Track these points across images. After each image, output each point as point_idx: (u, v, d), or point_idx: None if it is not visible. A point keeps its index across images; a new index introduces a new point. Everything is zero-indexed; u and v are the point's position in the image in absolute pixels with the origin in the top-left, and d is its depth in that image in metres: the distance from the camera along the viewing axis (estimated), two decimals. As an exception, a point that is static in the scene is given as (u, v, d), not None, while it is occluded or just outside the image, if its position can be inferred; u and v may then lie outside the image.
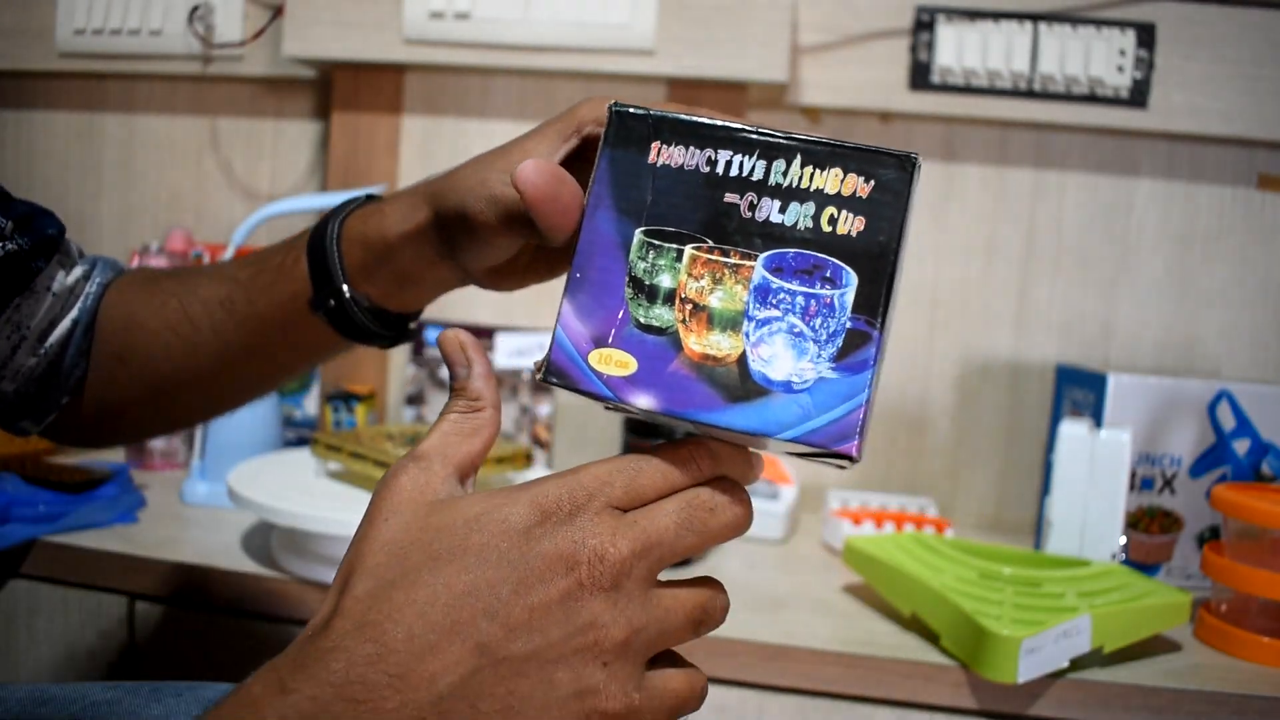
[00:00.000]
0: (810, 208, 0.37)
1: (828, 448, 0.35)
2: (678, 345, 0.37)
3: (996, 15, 1.07)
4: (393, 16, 1.09)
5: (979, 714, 0.73)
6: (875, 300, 0.36)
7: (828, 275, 0.36)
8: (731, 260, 0.37)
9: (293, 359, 0.62)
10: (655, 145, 0.39)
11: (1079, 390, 0.99)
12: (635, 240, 0.38)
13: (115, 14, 1.20)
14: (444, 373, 1.15)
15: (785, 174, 0.37)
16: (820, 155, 0.37)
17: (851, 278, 0.36)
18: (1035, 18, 1.06)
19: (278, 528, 0.87)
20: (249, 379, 0.63)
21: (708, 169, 0.38)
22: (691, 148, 0.38)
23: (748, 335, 0.36)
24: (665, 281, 0.37)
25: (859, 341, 0.36)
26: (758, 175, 0.37)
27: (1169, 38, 1.05)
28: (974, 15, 1.07)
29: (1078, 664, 0.72)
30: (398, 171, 1.18)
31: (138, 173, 1.29)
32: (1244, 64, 1.04)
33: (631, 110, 0.39)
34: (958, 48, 1.07)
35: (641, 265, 0.38)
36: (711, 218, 0.37)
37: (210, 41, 1.19)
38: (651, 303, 0.38)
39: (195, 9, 1.18)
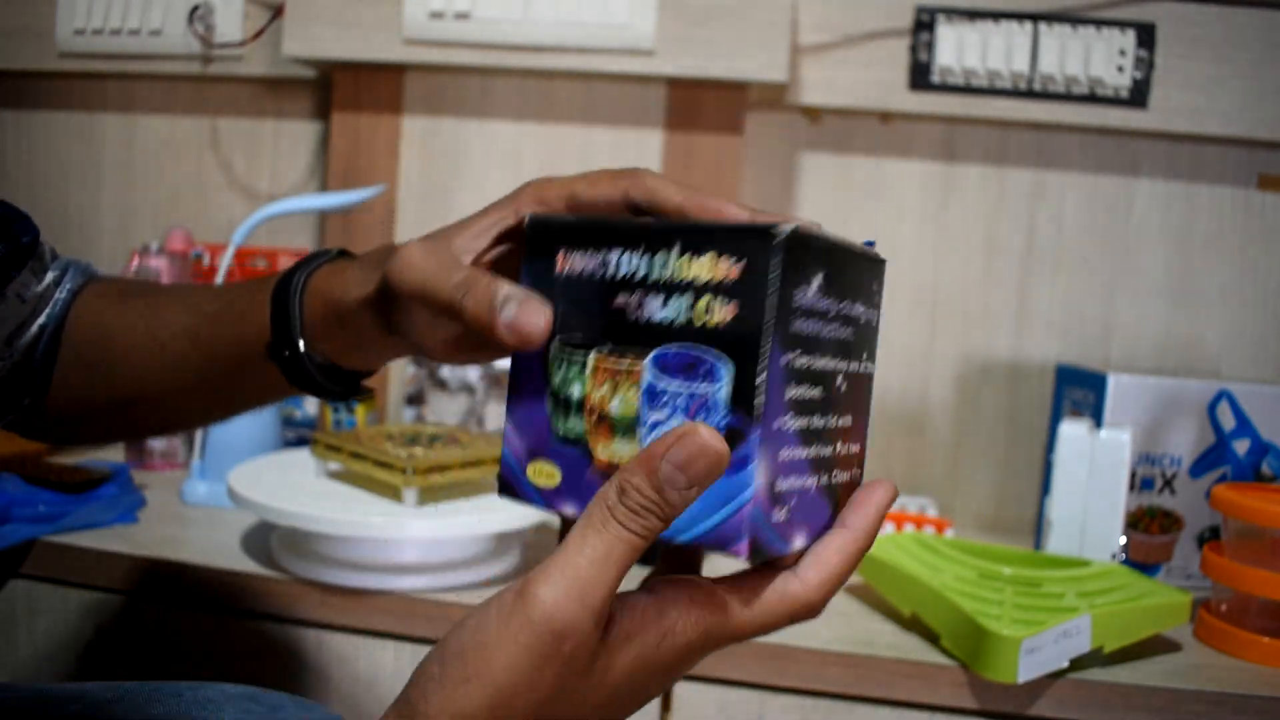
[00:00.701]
0: (689, 299, 0.35)
1: (721, 549, 0.34)
2: (589, 454, 0.37)
3: (996, 15, 1.07)
4: (393, 16, 1.09)
5: (979, 714, 0.73)
6: (748, 392, 0.33)
7: (706, 370, 0.34)
8: (625, 364, 0.36)
9: (249, 397, 0.62)
10: (560, 254, 0.38)
11: (1079, 390, 0.99)
12: (551, 352, 0.38)
13: (115, 14, 1.20)
14: (444, 372, 1.15)
15: (666, 266, 0.36)
16: (697, 240, 0.35)
17: (725, 371, 0.34)
18: (1035, 18, 1.06)
19: (278, 528, 0.87)
20: (208, 407, 0.63)
21: (602, 272, 0.37)
22: (589, 251, 0.38)
23: (643, 441, 0.36)
24: (576, 392, 0.37)
25: (735, 440, 0.33)
26: (642, 272, 0.36)
27: (1169, 38, 1.05)
28: (974, 15, 1.07)
29: (1078, 664, 0.72)
30: (398, 171, 1.18)
31: (138, 173, 1.29)
32: (1244, 64, 1.04)
33: (542, 219, 0.39)
34: (958, 48, 1.07)
35: (557, 377, 0.38)
36: (609, 323, 0.37)
37: (210, 41, 1.19)
38: (567, 414, 0.38)
39: (195, 9, 1.18)
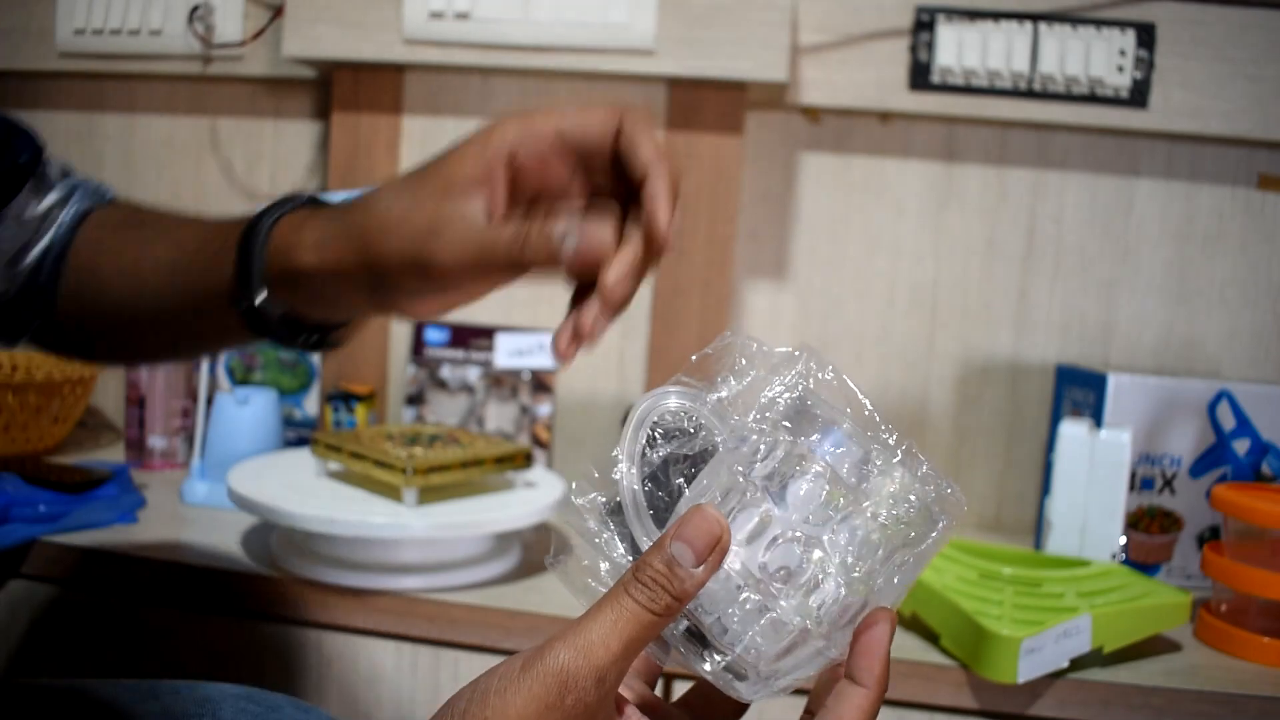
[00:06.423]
0: None
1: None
2: None
3: (996, 15, 1.07)
4: (393, 16, 1.09)
5: (979, 714, 0.73)
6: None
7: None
8: None
9: (214, 339, 0.60)
10: None
11: (1079, 390, 0.99)
12: None
13: (115, 14, 1.20)
14: (444, 372, 1.15)
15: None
16: None
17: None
18: (1035, 18, 1.06)
19: (278, 528, 0.87)
20: (176, 343, 0.63)
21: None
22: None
23: None
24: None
25: None
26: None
27: (1169, 38, 1.05)
28: (974, 15, 1.07)
29: (1078, 664, 0.72)
30: (398, 171, 1.18)
31: (138, 173, 1.29)
32: (1244, 64, 1.04)
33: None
34: (958, 48, 1.07)
35: None
36: None
37: (210, 41, 1.19)
38: None
39: (195, 9, 1.18)
